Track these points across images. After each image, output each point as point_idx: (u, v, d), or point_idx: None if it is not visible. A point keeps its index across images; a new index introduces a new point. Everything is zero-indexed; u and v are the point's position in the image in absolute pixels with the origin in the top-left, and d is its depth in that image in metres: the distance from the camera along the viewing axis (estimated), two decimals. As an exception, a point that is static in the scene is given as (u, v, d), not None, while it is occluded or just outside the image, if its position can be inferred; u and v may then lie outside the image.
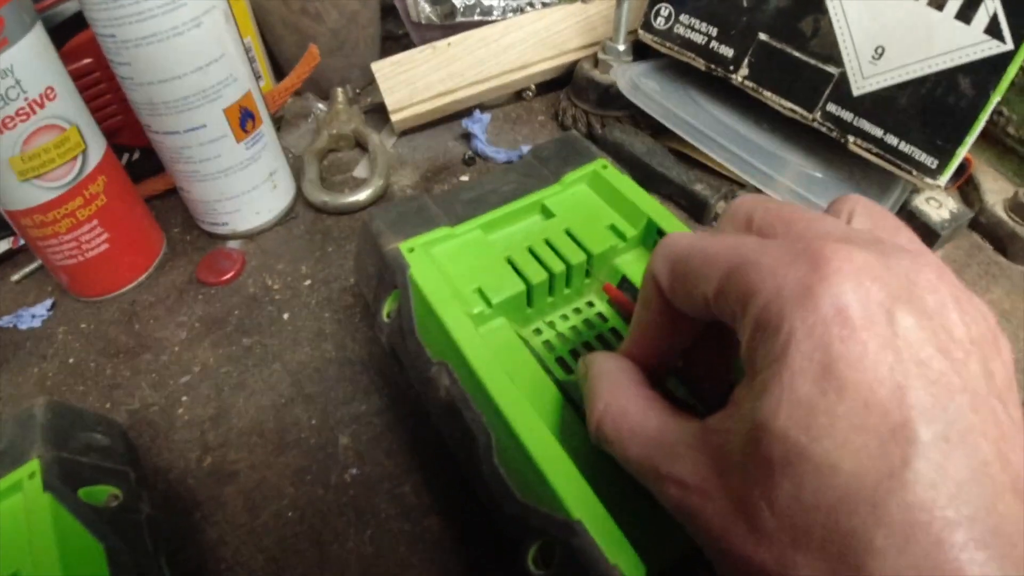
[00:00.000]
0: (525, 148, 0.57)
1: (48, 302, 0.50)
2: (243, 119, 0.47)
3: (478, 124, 0.57)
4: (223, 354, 0.45)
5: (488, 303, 0.32)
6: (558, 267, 0.33)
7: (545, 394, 0.30)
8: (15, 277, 0.53)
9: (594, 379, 0.24)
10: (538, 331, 0.35)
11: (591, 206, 0.37)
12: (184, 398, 0.42)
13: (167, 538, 0.32)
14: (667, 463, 0.19)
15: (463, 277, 0.33)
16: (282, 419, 0.40)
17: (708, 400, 0.26)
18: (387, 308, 0.34)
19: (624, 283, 0.35)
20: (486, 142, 0.57)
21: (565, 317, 0.35)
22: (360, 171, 0.57)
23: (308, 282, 0.48)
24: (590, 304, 0.36)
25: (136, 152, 0.57)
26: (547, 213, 0.37)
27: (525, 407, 0.27)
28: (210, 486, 0.38)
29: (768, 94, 0.50)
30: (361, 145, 0.60)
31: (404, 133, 0.61)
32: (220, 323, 0.47)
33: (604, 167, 0.38)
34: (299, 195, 0.55)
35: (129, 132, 0.53)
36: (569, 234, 0.35)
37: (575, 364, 0.33)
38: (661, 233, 0.34)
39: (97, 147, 0.45)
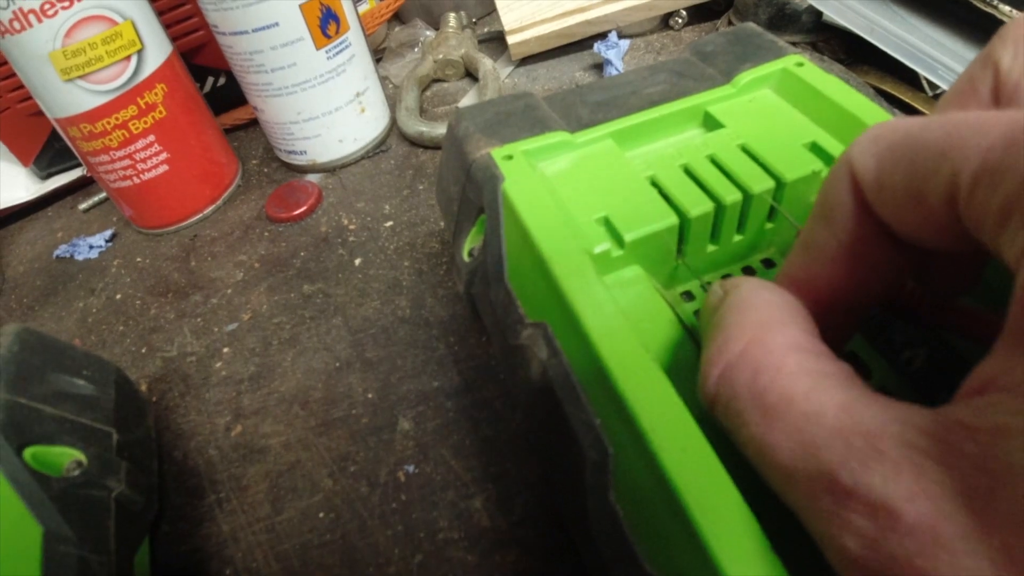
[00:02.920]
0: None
1: (108, 232, 0.44)
2: (324, 20, 0.38)
3: (614, 50, 0.45)
4: (278, 301, 0.36)
5: (619, 240, 0.21)
6: (730, 196, 0.22)
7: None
8: (83, 206, 0.48)
9: (731, 310, 0.15)
10: (689, 296, 0.23)
11: (779, 116, 0.25)
12: (226, 349, 0.34)
13: (144, 528, 0.23)
14: (857, 468, 0.11)
15: (583, 201, 0.22)
16: (332, 387, 0.31)
17: (924, 376, 0.17)
18: (469, 243, 0.24)
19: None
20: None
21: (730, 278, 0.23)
22: (467, 102, 0.48)
23: (389, 223, 0.39)
24: (768, 263, 0.24)
25: (222, 76, 0.50)
26: (712, 123, 0.25)
27: (675, 413, 0.16)
28: (234, 462, 0.29)
29: (1005, 8, 0.36)
30: (471, 75, 0.50)
31: (523, 62, 0.50)
32: (282, 265, 0.38)
33: (800, 64, 0.26)
34: (393, 127, 0.46)
35: (213, 50, 0.46)
36: (747, 152, 0.23)
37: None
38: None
39: (158, 49, 0.38)
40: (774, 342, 0.13)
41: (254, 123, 0.50)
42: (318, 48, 0.39)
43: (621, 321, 0.18)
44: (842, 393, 0.12)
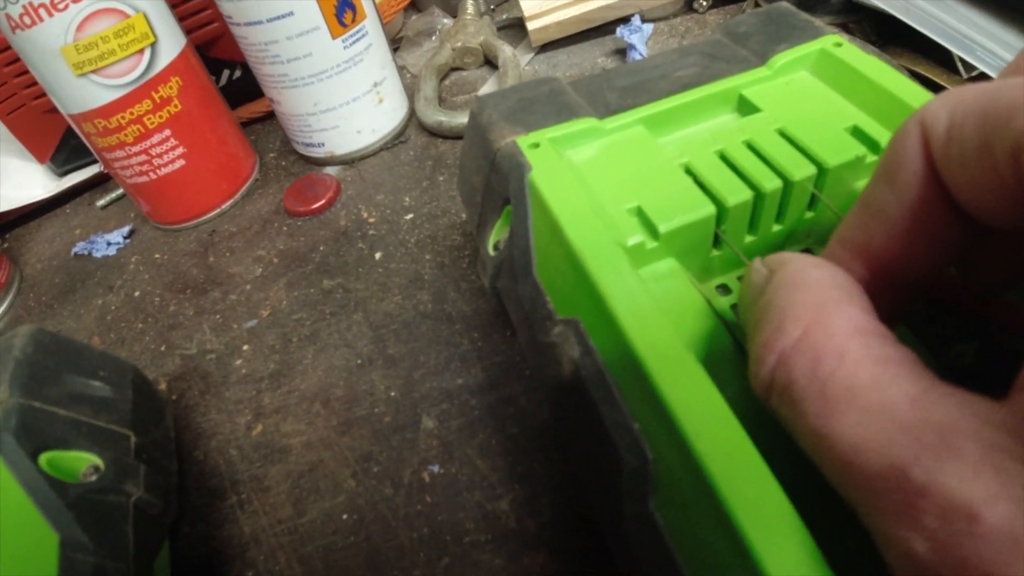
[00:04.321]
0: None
1: (125, 229, 0.44)
2: (340, 8, 0.37)
3: (638, 34, 0.44)
4: (298, 297, 0.36)
5: (653, 232, 0.20)
6: (769, 183, 0.20)
7: (743, 395, 0.17)
8: (100, 203, 0.47)
9: (782, 289, 0.14)
10: (725, 289, 0.22)
11: (818, 99, 0.23)
12: (245, 347, 0.34)
13: (164, 532, 0.23)
14: (931, 465, 0.10)
15: (614, 191, 0.21)
16: (354, 385, 0.30)
17: (973, 372, 0.16)
18: (494, 236, 0.23)
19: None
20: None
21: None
22: (487, 90, 0.46)
23: (410, 216, 0.38)
24: (809, 253, 0.23)
25: (237, 69, 0.49)
26: (748, 107, 0.24)
27: (720, 417, 0.15)
28: (255, 462, 0.29)
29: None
30: (491, 63, 0.49)
31: (543, 48, 0.49)
32: (301, 260, 0.38)
33: (838, 44, 0.25)
34: (411, 117, 0.45)
35: (228, 42, 0.45)
36: (785, 137, 0.22)
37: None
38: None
39: (171, 42, 0.37)
40: (835, 325, 0.12)
41: (271, 116, 0.50)
42: (334, 37, 0.38)
43: (659, 318, 0.17)
44: (911, 383, 0.11)
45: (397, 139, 0.44)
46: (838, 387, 0.12)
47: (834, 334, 0.12)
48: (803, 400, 0.12)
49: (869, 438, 0.11)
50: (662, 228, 0.19)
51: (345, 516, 0.26)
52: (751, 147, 0.22)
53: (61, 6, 0.32)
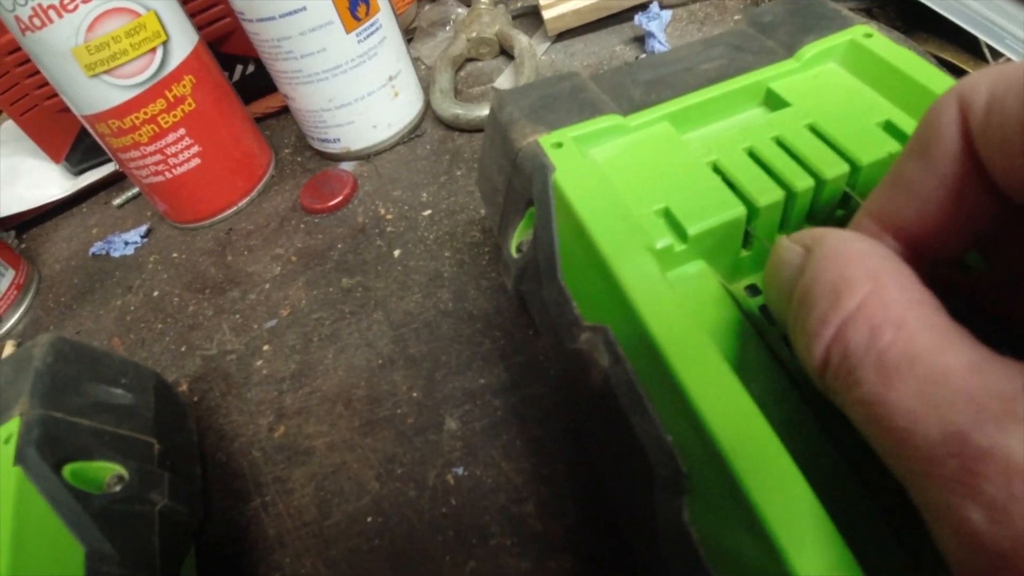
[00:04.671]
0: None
1: (143, 228, 0.44)
2: (354, 2, 0.37)
3: (656, 21, 0.43)
4: (317, 296, 0.35)
5: (681, 234, 0.19)
6: (801, 182, 0.20)
7: (775, 400, 0.17)
8: (116, 202, 0.47)
9: (827, 264, 0.13)
10: (754, 289, 0.21)
11: (849, 93, 0.23)
12: (266, 347, 0.34)
13: (189, 538, 0.23)
14: (993, 431, 0.10)
15: (640, 191, 0.20)
16: (376, 385, 0.30)
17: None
18: (517, 237, 0.23)
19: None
20: (666, 45, 0.43)
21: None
22: (503, 81, 0.46)
23: (428, 212, 0.38)
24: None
25: (250, 64, 0.49)
26: (777, 102, 0.23)
27: (757, 430, 0.14)
28: (278, 464, 0.29)
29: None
30: (506, 52, 0.48)
31: (560, 37, 0.48)
32: (319, 258, 0.38)
33: (868, 35, 0.24)
34: (427, 110, 0.45)
35: (241, 38, 0.45)
36: (816, 133, 0.21)
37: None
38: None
39: (183, 40, 0.37)
40: (891, 296, 0.12)
41: (285, 111, 0.49)
42: (348, 32, 0.37)
43: (691, 326, 0.16)
44: (969, 351, 0.11)
45: (413, 133, 0.44)
46: (896, 356, 0.12)
47: (890, 304, 0.12)
48: (859, 371, 0.12)
49: (927, 405, 0.11)
50: (691, 230, 0.19)
51: (370, 519, 0.26)
52: (781, 144, 0.21)
53: (71, 7, 0.32)
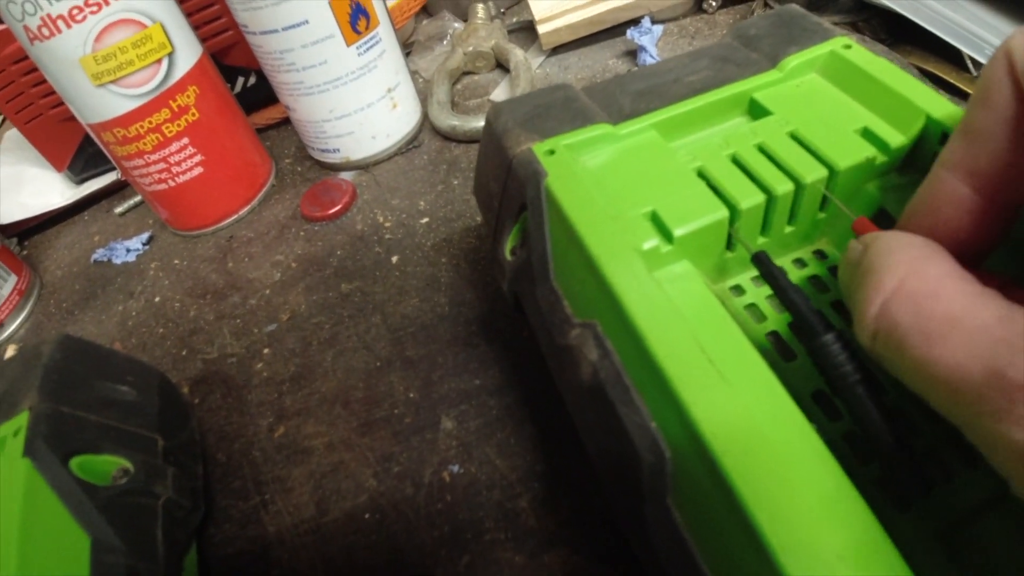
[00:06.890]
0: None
1: (144, 235, 0.45)
2: (354, 16, 0.38)
3: (648, 36, 0.44)
4: (316, 301, 0.36)
5: (667, 235, 0.20)
6: (781, 186, 0.21)
7: (767, 396, 0.17)
8: (118, 210, 0.48)
9: (879, 255, 0.16)
10: (739, 289, 0.22)
11: (829, 102, 0.24)
12: (266, 350, 0.34)
13: (192, 532, 0.23)
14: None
15: (629, 196, 0.21)
16: (374, 387, 0.31)
17: None
18: (511, 241, 0.24)
19: (885, 219, 0.22)
20: (657, 59, 0.44)
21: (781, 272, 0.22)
22: (499, 94, 0.47)
23: (425, 220, 0.39)
24: (820, 255, 0.23)
25: (252, 76, 0.50)
26: (759, 111, 0.24)
27: (735, 415, 0.15)
28: (278, 464, 0.29)
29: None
30: (502, 66, 0.49)
31: (554, 51, 0.49)
32: (319, 264, 0.38)
33: (847, 47, 0.25)
34: (425, 121, 0.46)
35: (243, 50, 0.46)
36: (796, 139, 0.22)
37: (798, 346, 0.21)
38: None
39: (188, 52, 0.38)
40: (928, 272, 0.15)
41: (286, 122, 0.50)
42: (349, 45, 0.38)
43: (675, 320, 0.17)
44: (999, 307, 0.13)
45: (411, 143, 0.45)
46: (937, 319, 0.14)
47: (928, 279, 0.15)
48: (907, 336, 0.14)
49: (969, 355, 0.13)
50: (677, 232, 0.20)
51: (367, 516, 0.26)
52: (763, 150, 0.22)
53: (79, 17, 0.33)
